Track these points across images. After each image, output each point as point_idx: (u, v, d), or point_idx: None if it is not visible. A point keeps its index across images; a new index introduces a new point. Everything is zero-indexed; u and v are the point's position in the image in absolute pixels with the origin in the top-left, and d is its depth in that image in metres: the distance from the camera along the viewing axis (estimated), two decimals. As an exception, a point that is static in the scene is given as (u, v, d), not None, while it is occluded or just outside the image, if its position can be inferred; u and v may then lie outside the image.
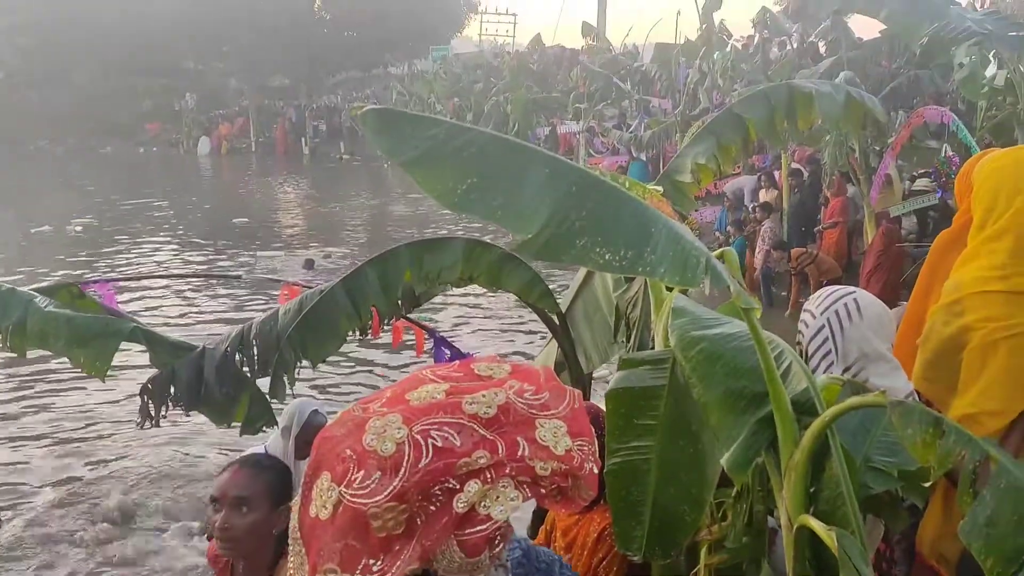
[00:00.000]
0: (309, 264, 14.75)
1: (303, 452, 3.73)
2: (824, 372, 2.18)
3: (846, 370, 2.18)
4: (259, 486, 2.09)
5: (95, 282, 4.95)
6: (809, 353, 2.24)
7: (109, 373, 3.58)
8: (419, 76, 40.30)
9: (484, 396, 1.22)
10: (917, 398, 2.22)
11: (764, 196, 13.72)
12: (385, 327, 4.00)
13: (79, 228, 20.05)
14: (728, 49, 20.23)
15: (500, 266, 3.73)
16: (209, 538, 3.80)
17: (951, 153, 10.74)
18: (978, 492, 1.58)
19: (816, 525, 1.74)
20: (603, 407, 2.22)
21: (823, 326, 2.22)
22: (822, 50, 17.27)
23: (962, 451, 1.58)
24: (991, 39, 9.19)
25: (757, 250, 12.00)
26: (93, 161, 38.85)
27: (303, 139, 41.13)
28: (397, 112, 1.96)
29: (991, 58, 10.23)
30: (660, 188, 2.76)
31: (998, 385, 2.20)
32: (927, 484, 1.86)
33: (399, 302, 3.78)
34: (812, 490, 1.85)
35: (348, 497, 1.15)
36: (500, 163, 1.82)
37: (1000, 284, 2.25)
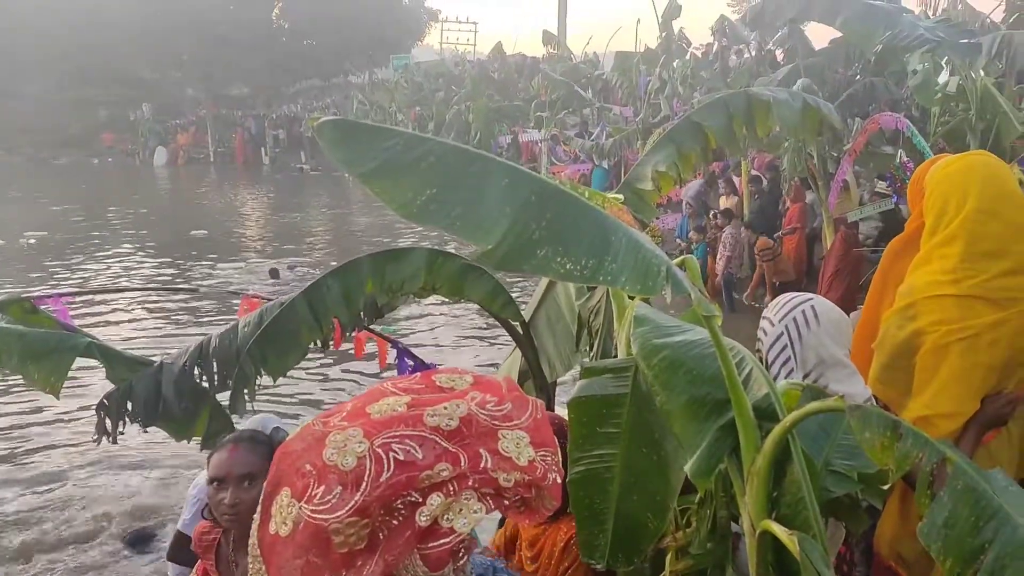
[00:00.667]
0: (274, 273, 14.59)
1: None
2: (784, 378, 2.20)
3: (805, 376, 2.20)
4: (260, 459, 2.16)
5: (48, 296, 4.85)
6: (769, 360, 2.26)
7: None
8: (380, 85, 40.18)
9: (446, 408, 1.21)
10: (875, 402, 2.25)
11: (725, 202, 13.87)
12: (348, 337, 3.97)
13: (32, 241, 19.65)
14: (688, 57, 20.42)
15: (463, 276, 3.71)
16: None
17: (906, 159, 10.92)
18: (936, 494, 1.60)
19: (778, 530, 1.75)
20: (566, 416, 2.22)
21: (782, 333, 2.25)
22: (779, 58, 17.46)
23: (919, 453, 1.60)
24: (943, 46, 9.38)
25: (719, 256, 12.12)
26: (47, 172, 38.17)
27: (263, 149, 40.75)
28: (354, 123, 1.94)
29: (943, 65, 10.43)
30: (621, 196, 2.77)
31: (951, 387, 2.25)
32: (886, 487, 1.89)
33: (361, 313, 3.76)
34: (774, 495, 1.86)
35: (309, 513, 1.13)
36: (459, 173, 1.81)
37: (951, 288, 2.30)
